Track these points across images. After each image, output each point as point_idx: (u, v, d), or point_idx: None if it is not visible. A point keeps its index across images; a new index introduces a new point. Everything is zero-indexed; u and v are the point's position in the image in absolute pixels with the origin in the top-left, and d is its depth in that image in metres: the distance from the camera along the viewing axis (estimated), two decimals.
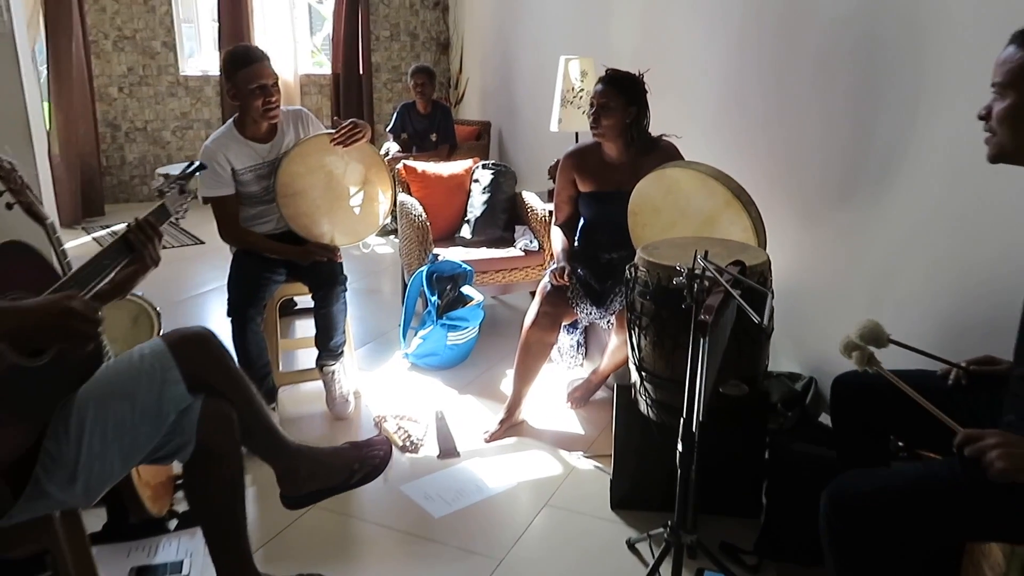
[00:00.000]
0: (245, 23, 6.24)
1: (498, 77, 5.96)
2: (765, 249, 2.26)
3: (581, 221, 2.93)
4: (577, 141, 4.08)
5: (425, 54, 7.07)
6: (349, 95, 6.71)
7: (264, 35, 6.38)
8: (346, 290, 2.78)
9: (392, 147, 5.42)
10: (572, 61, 3.90)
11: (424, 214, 3.58)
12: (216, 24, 6.35)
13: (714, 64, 3.34)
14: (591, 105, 2.68)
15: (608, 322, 2.79)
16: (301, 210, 2.83)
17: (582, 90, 3.90)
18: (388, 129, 5.47)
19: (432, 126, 5.38)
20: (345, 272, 2.85)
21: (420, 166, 3.96)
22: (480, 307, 3.18)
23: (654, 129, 2.76)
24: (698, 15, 3.46)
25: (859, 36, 2.48)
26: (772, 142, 3.00)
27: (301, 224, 2.86)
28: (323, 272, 2.81)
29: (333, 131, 2.80)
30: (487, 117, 6.20)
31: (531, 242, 3.79)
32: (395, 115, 5.42)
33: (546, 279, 2.77)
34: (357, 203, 2.93)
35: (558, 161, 4.35)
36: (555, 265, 2.76)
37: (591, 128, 2.69)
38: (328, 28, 6.97)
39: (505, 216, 3.98)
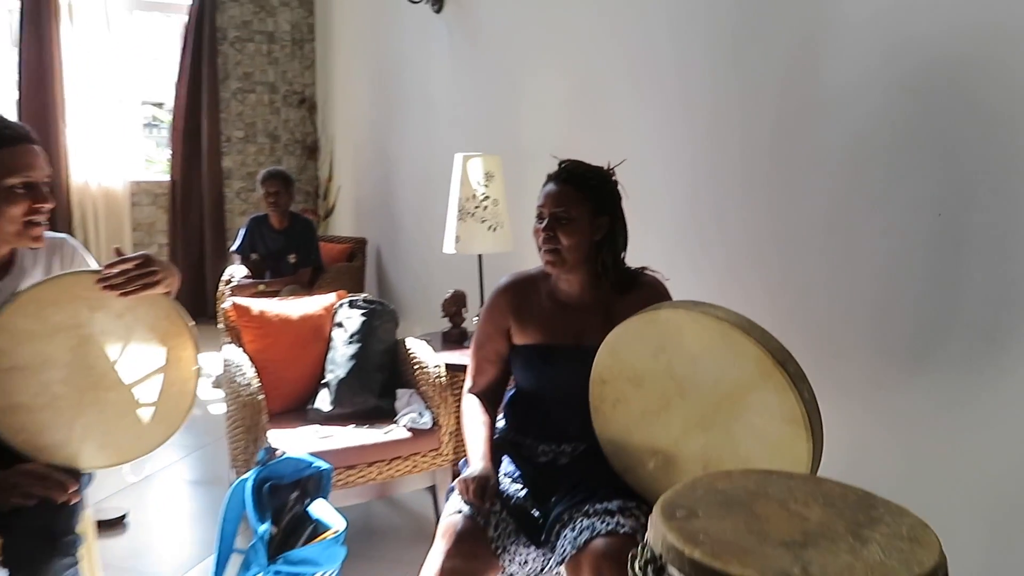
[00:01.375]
0: (53, 111, 5.22)
1: (376, 184, 5.35)
2: (819, 451, 1.50)
3: (511, 390, 2.00)
4: (481, 265, 2.95)
5: (288, 158, 6.46)
6: (190, 206, 6.05)
7: (80, 126, 5.42)
8: (75, 563, 1.44)
9: (238, 272, 4.65)
10: (473, 160, 2.93)
11: (257, 381, 2.55)
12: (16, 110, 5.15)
13: (677, 163, 2.67)
14: (539, 218, 1.84)
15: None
16: (20, 401, 1.70)
17: (486, 198, 2.81)
18: (233, 249, 4.72)
19: (290, 244, 4.62)
20: (78, 528, 1.65)
21: (257, 304, 2.85)
22: (339, 542, 1.90)
23: None
24: (650, 96, 2.79)
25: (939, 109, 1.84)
26: (775, 273, 2.31)
27: (17, 426, 1.70)
28: (32, 525, 1.60)
29: (107, 269, 1.75)
30: (363, 233, 5.53)
31: (421, 415, 2.76)
32: (242, 231, 4.67)
33: (452, 505, 1.78)
34: (132, 397, 1.82)
35: (455, 294, 3.27)
36: (467, 471, 1.76)
37: (541, 251, 1.84)
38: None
39: (382, 376, 2.93)
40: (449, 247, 3.11)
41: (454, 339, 3.32)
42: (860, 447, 1.98)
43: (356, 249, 5.12)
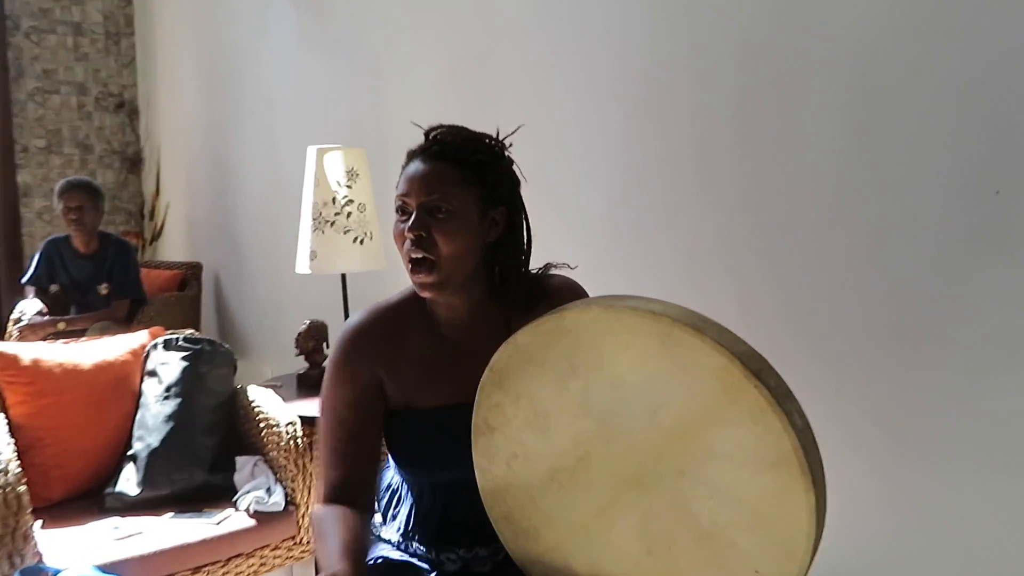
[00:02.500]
0: None
1: (214, 198, 4.67)
2: (823, 507, 1.03)
3: (391, 476, 1.45)
4: (346, 288, 2.31)
5: (104, 172, 5.70)
6: None
7: None
8: None
9: (30, 308, 3.87)
10: (330, 154, 2.40)
11: (17, 464, 1.88)
12: None
13: (604, 144, 2.26)
14: (401, 212, 1.28)
15: None
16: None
17: (350, 202, 2.16)
18: (24, 280, 4.01)
19: (100, 272, 3.90)
20: None
21: (29, 351, 2.30)
22: None
23: None
24: (565, 58, 2.36)
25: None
26: (749, 278, 1.97)
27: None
28: None
29: None
30: (198, 257, 4.83)
31: (269, 492, 2.14)
32: (36, 257, 3.99)
33: None
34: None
35: (313, 326, 2.60)
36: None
37: (409, 264, 1.28)
38: None
39: (213, 441, 2.32)
40: (303, 266, 2.48)
41: (312, 383, 2.67)
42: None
43: (189, 276, 4.54)
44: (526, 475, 1.16)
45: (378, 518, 1.39)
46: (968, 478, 1.57)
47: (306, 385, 2.70)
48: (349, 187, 2.49)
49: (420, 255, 1.20)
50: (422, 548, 1.30)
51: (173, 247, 5.23)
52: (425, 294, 1.24)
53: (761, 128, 1.83)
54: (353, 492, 1.27)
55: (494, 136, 1.27)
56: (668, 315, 1.00)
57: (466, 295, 1.27)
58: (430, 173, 1.21)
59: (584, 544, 1.14)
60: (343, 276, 2.59)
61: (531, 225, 1.30)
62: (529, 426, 1.14)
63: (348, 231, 2.46)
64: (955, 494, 1.58)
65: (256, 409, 2.25)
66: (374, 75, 3.08)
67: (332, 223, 2.46)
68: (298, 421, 2.15)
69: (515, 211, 1.28)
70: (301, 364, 2.76)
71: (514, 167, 1.28)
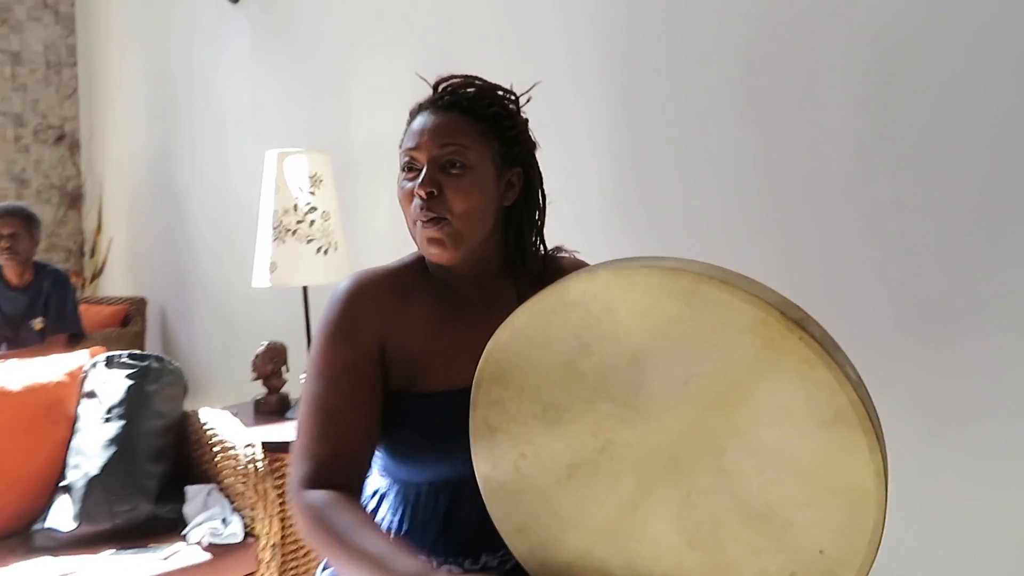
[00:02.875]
0: None
1: (160, 230, 4.45)
2: (886, 467, 0.87)
3: (386, 475, 1.25)
4: (307, 304, 2.17)
5: (43, 208, 5.41)
6: None
7: None
8: None
9: None
10: (292, 158, 2.19)
11: None
12: None
13: (601, 100, 2.16)
14: (408, 170, 1.16)
15: None
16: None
17: (312, 209, 2.01)
18: None
19: (35, 305, 3.68)
20: None
21: None
22: None
23: None
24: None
25: None
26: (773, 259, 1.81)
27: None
28: None
29: None
30: (142, 292, 4.61)
31: (225, 523, 1.94)
32: None
33: None
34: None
35: (271, 347, 2.42)
36: None
37: (418, 226, 1.15)
38: None
39: (161, 469, 2.12)
40: (261, 279, 2.30)
41: (271, 409, 2.50)
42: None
43: (133, 312, 4.34)
44: (539, 477, 1.02)
45: None
46: (1006, 466, 1.45)
47: (264, 412, 2.54)
48: (312, 193, 2.35)
49: (433, 216, 1.08)
50: (420, 559, 1.12)
51: (115, 284, 4.99)
52: (435, 256, 1.12)
53: (767, 98, 1.72)
54: (346, 472, 1.09)
55: (509, 90, 1.16)
56: (689, 270, 0.88)
57: (477, 265, 1.16)
58: (443, 124, 1.10)
59: (616, 546, 0.99)
60: (305, 291, 2.44)
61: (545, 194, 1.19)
62: (537, 420, 1.00)
63: (311, 240, 2.31)
64: (992, 484, 1.47)
65: (209, 432, 2.07)
66: (337, 80, 2.96)
67: (293, 232, 2.31)
68: (258, 443, 1.96)
69: (532, 174, 1.17)
70: (258, 390, 2.59)
71: (529, 128, 1.18)
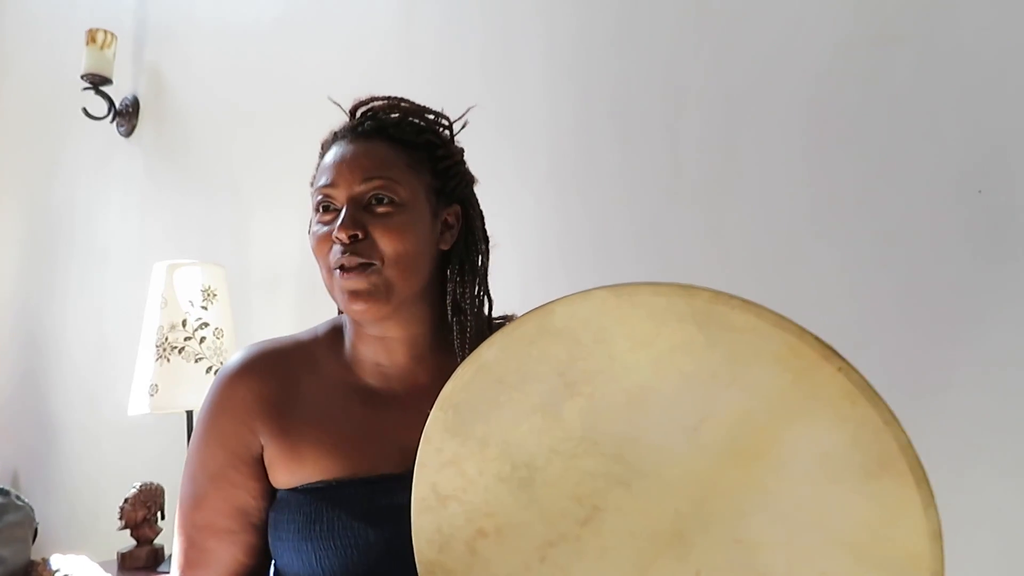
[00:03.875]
0: None
1: (17, 387, 3.96)
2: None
3: None
4: (192, 430, 1.84)
5: None
6: None
7: None
8: None
9: None
10: (183, 270, 2.12)
11: None
12: None
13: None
14: (323, 210, 0.95)
15: None
16: None
17: (204, 325, 1.82)
18: None
19: None
20: None
21: None
22: None
23: None
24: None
25: None
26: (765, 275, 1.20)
27: None
28: None
29: None
30: None
31: None
32: None
33: None
34: None
35: (145, 489, 2.13)
36: None
37: (338, 276, 0.92)
38: None
39: None
40: (139, 404, 2.02)
41: (139, 564, 2.13)
42: None
43: None
44: (502, 562, 0.80)
45: None
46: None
47: (130, 568, 2.12)
48: (204, 308, 2.13)
49: (359, 261, 0.89)
50: None
51: None
52: (359, 313, 0.91)
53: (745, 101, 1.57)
54: None
55: (442, 113, 1.01)
56: (705, 288, 0.74)
57: (407, 325, 0.96)
58: (365, 154, 0.92)
59: None
60: (189, 417, 2.13)
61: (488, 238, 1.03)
62: (504, 484, 0.80)
63: (200, 359, 2.06)
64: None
65: None
66: (234, 196, 2.76)
67: (180, 350, 2.05)
68: None
69: (471, 212, 1.01)
70: (124, 542, 2.19)
71: (465, 160, 1.03)
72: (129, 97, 3.16)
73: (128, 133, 3.22)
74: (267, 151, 2.70)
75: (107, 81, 2.98)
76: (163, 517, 2.25)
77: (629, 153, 1.64)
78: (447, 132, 1.01)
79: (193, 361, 2.07)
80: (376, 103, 0.98)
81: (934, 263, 1.24)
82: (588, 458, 0.77)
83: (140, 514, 2.20)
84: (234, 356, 0.97)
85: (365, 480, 0.90)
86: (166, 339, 2.07)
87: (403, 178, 0.92)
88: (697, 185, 1.52)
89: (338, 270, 0.90)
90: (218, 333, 2.13)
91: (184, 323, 2.09)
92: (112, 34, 2.97)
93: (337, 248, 0.90)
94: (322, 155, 0.97)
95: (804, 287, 1.41)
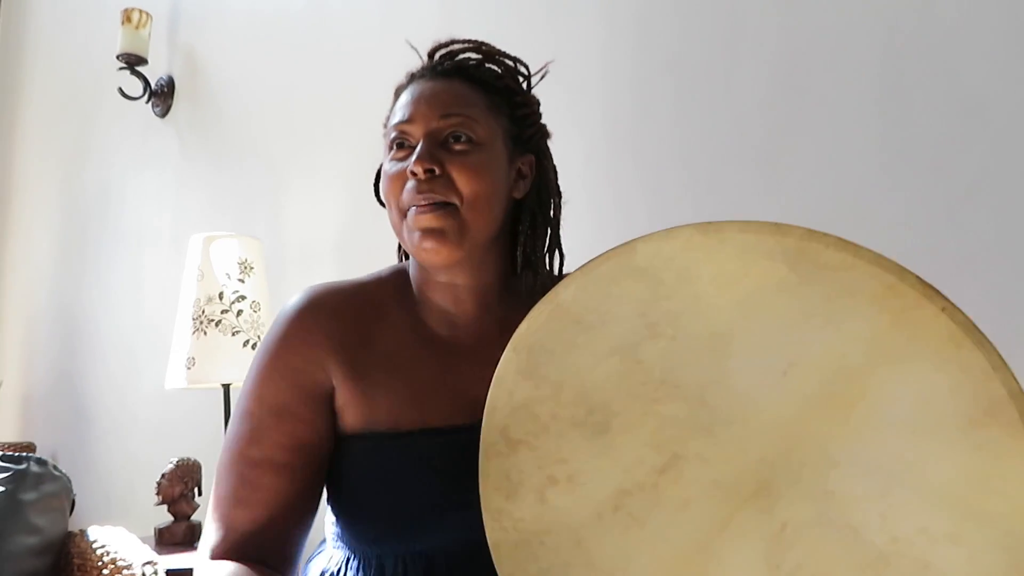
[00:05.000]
0: None
1: (56, 367, 3.96)
2: None
3: (321, 552, 0.96)
4: (229, 404, 1.91)
5: None
6: None
7: None
8: None
9: None
10: (220, 242, 2.25)
11: None
12: None
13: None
14: (397, 147, 0.92)
15: None
16: None
17: (241, 299, 1.80)
18: None
19: None
20: None
21: None
22: None
23: None
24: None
25: None
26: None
27: None
28: None
29: None
30: (30, 436, 4.09)
31: None
32: None
33: None
34: None
35: (182, 465, 2.14)
36: None
37: (410, 214, 0.90)
38: None
39: None
40: (176, 379, 2.02)
41: (176, 540, 2.14)
42: None
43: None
44: (573, 511, 0.78)
45: None
46: None
47: (167, 543, 2.14)
48: (241, 281, 2.12)
49: (434, 199, 0.87)
50: None
51: (1, 430, 4.38)
52: (431, 254, 0.88)
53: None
54: (266, 547, 0.86)
55: (521, 60, 0.99)
56: (797, 227, 0.71)
57: (477, 273, 0.94)
58: (444, 92, 0.91)
59: None
60: (226, 391, 2.14)
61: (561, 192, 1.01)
62: (578, 429, 0.78)
63: (237, 332, 2.05)
64: None
65: (100, 552, 1.66)
66: (271, 171, 2.75)
67: (217, 323, 2.05)
68: (160, 560, 1.59)
69: (546, 164, 0.99)
70: (162, 518, 2.19)
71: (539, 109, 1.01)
72: (164, 77, 3.18)
73: (164, 113, 3.24)
74: (301, 127, 2.71)
75: (143, 61, 3.00)
76: (200, 493, 2.25)
77: (686, 108, 1.59)
78: (525, 82, 0.99)
79: (230, 334, 2.06)
80: (456, 45, 0.96)
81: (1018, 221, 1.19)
82: (668, 403, 0.75)
83: (177, 490, 2.20)
84: (297, 295, 0.95)
85: (437, 430, 0.88)
86: (203, 312, 2.07)
87: (482, 118, 0.90)
88: (758, 143, 1.47)
89: (412, 208, 0.88)
90: (255, 306, 2.12)
91: (221, 296, 2.09)
92: (147, 13, 2.99)
93: (411, 185, 0.88)
94: (396, 97, 0.95)
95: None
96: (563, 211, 1.01)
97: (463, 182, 0.87)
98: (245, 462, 0.88)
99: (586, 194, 1.77)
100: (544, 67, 1.01)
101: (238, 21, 2.95)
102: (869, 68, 1.35)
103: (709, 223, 0.74)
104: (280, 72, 2.77)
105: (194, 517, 2.22)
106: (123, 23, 2.94)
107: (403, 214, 0.90)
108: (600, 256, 0.77)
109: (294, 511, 0.89)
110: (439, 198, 0.87)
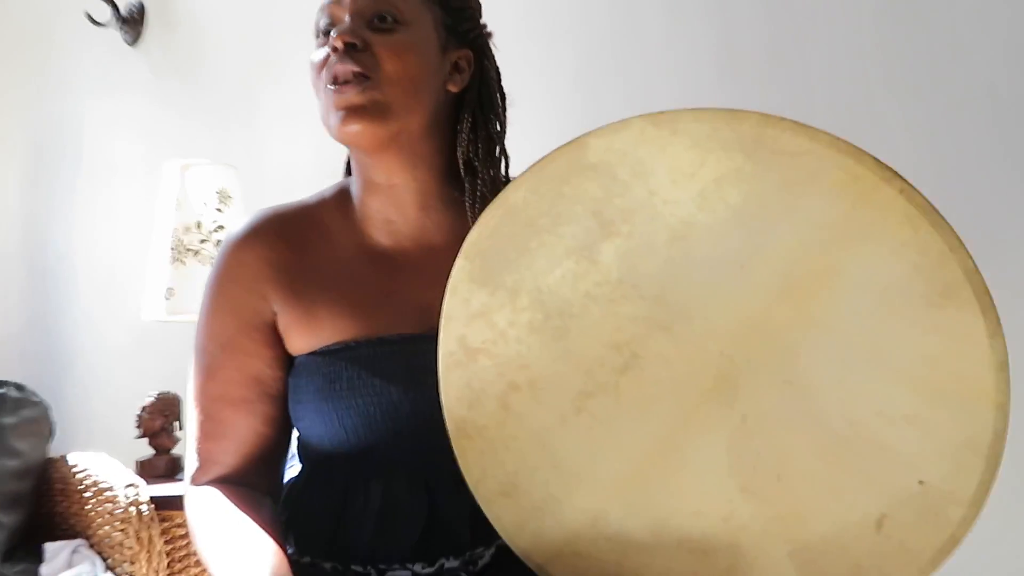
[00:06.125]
0: None
1: (29, 302, 3.81)
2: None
3: (303, 457, 0.96)
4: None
5: None
6: None
7: None
8: None
9: None
10: (196, 170, 2.19)
11: None
12: None
13: None
14: (323, 34, 0.88)
15: None
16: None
17: (220, 228, 1.76)
18: None
19: None
20: None
21: None
22: None
23: None
24: None
25: None
26: None
27: None
28: None
29: None
30: (3, 375, 3.66)
31: None
32: None
33: None
34: None
35: (161, 399, 2.14)
36: None
37: (329, 91, 0.86)
38: None
39: (13, 519, 1.73)
40: (154, 310, 2.00)
41: (158, 473, 2.12)
42: None
43: None
44: (536, 415, 0.78)
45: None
46: None
47: (149, 476, 2.13)
48: (219, 211, 2.09)
49: (353, 70, 0.84)
50: (354, 570, 0.85)
51: None
52: (353, 136, 0.86)
53: None
54: (245, 470, 0.88)
55: None
56: (753, 112, 0.70)
57: (413, 170, 0.91)
58: None
59: (639, 504, 0.76)
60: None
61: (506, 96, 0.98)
62: (536, 334, 0.78)
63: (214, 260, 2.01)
64: None
65: (80, 477, 1.70)
66: (247, 100, 2.68)
67: (196, 252, 2.03)
68: (142, 483, 1.62)
69: (486, 62, 0.95)
70: (143, 451, 2.20)
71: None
72: (135, 2, 3.08)
73: (134, 40, 3.16)
74: (278, 53, 2.65)
75: None
76: (181, 427, 2.27)
77: (676, 23, 1.56)
78: None
79: (210, 264, 2.02)
80: None
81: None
82: (627, 303, 0.75)
83: (158, 423, 2.20)
84: (240, 223, 0.95)
85: (384, 339, 0.87)
86: (181, 241, 2.05)
87: (406, 3, 0.88)
88: (751, 59, 1.45)
89: (332, 86, 0.85)
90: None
91: (199, 225, 2.07)
92: None
93: (332, 59, 0.85)
94: None
95: None
96: (544, 125, 0.99)
97: (386, 58, 0.85)
98: (206, 397, 0.90)
99: (568, 108, 1.75)
100: None
101: None
102: None
103: (661, 113, 0.72)
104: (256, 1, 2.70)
105: (175, 451, 2.24)
106: None
107: (326, 91, 0.87)
108: (550, 154, 0.76)
109: (263, 438, 0.90)
110: (358, 69, 0.84)
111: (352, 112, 0.84)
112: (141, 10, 3.08)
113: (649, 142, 0.72)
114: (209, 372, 0.91)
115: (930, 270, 0.66)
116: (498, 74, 0.98)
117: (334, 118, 0.86)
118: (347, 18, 0.86)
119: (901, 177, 0.67)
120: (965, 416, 0.67)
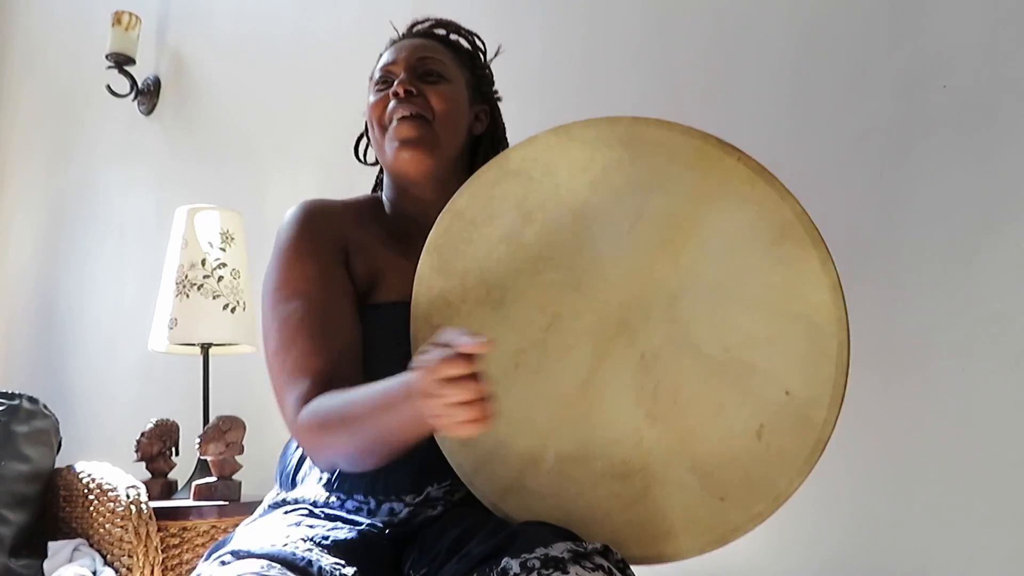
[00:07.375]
0: None
1: (37, 334, 4.08)
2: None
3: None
4: (208, 369, 2.15)
5: None
6: None
7: None
8: None
9: None
10: (203, 214, 2.36)
11: None
12: None
13: None
14: (383, 83, 1.18)
15: None
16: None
17: (222, 265, 1.99)
18: None
19: None
20: None
21: None
22: None
23: None
24: None
25: None
26: None
27: None
28: None
29: None
30: (15, 386, 3.83)
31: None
32: None
33: None
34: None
35: (161, 425, 2.29)
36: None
37: (392, 124, 1.13)
38: None
39: (22, 518, 1.89)
40: (159, 340, 2.20)
41: (154, 495, 2.24)
42: None
43: None
44: (487, 373, 0.95)
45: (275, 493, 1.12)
46: None
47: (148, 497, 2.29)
48: (223, 250, 2.30)
49: (411, 110, 1.09)
50: (356, 500, 1.03)
51: None
52: (407, 163, 1.09)
53: None
54: (348, 376, 1.01)
55: (479, 37, 1.26)
56: (625, 116, 0.92)
57: (441, 191, 1.10)
58: (422, 44, 1.17)
59: (570, 441, 0.95)
60: (206, 356, 2.31)
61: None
62: (482, 306, 0.98)
63: (218, 296, 2.22)
64: None
65: (86, 480, 1.92)
66: (252, 150, 2.87)
67: (200, 287, 2.22)
68: (142, 487, 1.79)
69: (497, 116, 1.25)
70: (138, 474, 2.36)
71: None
72: (151, 77, 3.32)
73: (149, 111, 3.39)
74: (281, 123, 2.86)
75: (131, 61, 3.13)
76: (177, 453, 2.41)
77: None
78: (482, 54, 1.24)
79: (211, 298, 2.22)
80: (430, 20, 1.22)
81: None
82: (547, 272, 0.95)
83: (155, 448, 2.36)
84: (290, 210, 1.13)
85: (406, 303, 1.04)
86: (186, 277, 2.24)
87: (450, 63, 1.16)
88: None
89: (394, 120, 1.09)
90: (235, 274, 2.29)
91: (203, 262, 2.26)
92: (137, 16, 3.14)
93: (393, 104, 1.10)
94: (386, 48, 1.19)
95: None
96: None
97: (436, 101, 1.10)
98: (307, 323, 1.03)
99: None
100: (496, 54, 1.26)
101: (224, 24, 3.09)
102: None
103: (560, 126, 0.95)
104: (262, 74, 2.90)
105: (171, 475, 2.32)
106: (113, 25, 3.09)
107: (384, 129, 1.11)
108: (483, 167, 0.98)
109: (353, 351, 1.04)
110: (417, 110, 1.09)
111: (408, 145, 1.09)
112: (157, 83, 3.32)
113: (553, 148, 0.94)
114: (308, 301, 1.04)
115: (769, 215, 0.87)
116: (503, 128, 1.26)
117: (391, 146, 1.11)
118: (402, 73, 1.12)
119: (737, 148, 0.88)
120: (813, 331, 0.87)
